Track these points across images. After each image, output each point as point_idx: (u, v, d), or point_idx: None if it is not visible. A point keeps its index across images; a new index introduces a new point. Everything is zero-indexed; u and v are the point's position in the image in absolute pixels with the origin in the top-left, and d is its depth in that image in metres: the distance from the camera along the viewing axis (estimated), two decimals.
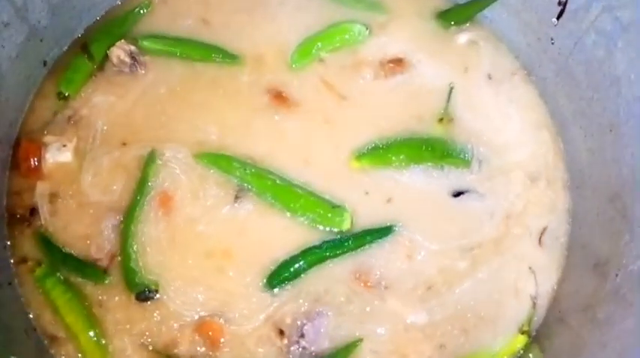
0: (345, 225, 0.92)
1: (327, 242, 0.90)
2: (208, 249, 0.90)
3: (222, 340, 0.86)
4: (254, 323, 0.87)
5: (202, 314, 0.87)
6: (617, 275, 0.79)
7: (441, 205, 0.95)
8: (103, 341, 0.86)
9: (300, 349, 0.87)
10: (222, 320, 0.87)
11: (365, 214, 0.93)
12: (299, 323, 0.88)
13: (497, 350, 0.89)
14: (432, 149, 0.97)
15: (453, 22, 1.07)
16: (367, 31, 1.05)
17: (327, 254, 0.90)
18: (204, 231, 0.91)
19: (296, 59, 1.02)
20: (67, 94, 0.98)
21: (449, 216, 0.94)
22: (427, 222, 0.94)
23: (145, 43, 1.01)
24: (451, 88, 1.02)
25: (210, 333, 0.86)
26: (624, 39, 0.85)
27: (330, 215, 0.92)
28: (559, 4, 0.95)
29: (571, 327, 0.82)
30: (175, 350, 0.85)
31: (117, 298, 0.88)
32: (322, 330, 0.88)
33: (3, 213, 0.92)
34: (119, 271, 0.88)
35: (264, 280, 0.89)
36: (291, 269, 0.89)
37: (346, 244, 0.91)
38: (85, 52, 1.00)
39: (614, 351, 0.67)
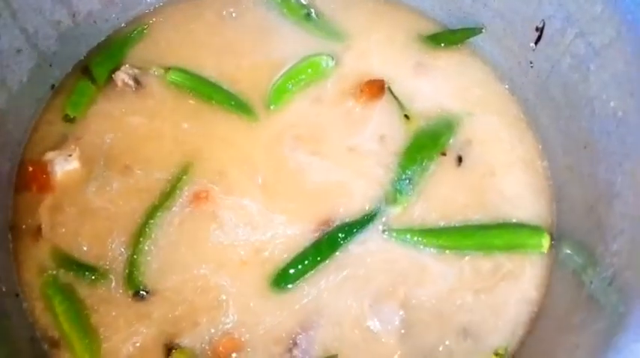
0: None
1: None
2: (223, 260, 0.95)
3: (234, 355, 0.90)
4: (261, 336, 0.92)
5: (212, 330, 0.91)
6: (591, 282, 0.83)
7: None
8: (98, 348, 0.89)
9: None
10: (236, 336, 0.91)
11: None
12: (293, 333, 0.92)
13: None
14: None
15: (443, 44, 1.13)
16: (334, 62, 1.09)
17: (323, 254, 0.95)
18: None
19: (274, 100, 1.06)
20: (72, 117, 1.04)
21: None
22: None
23: (173, 77, 1.07)
24: (388, 87, 1.08)
25: (221, 349, 0.90)
26: (596, 62, 0.91)
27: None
28: (537, 29, 1.01)
29: (547, 333, 0.86)
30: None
31: (115, 303, 0.92)
32: (316, 341, 0.92)
33: (8, 227, 0.96)
34: (120, 275, 0.93)
35: (271, 281, 0.94)
36: (298, 267, 0.94)
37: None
38: (88, 75, 1.06)
39: (585, 351, 0.71)
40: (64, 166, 0.99)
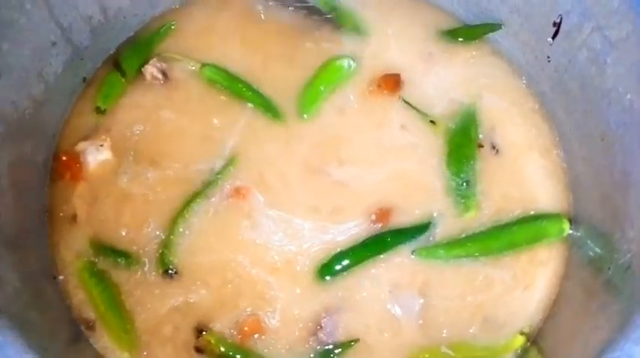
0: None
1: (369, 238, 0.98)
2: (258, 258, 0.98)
3: (255, 336, 0.94)
4: (289, 323, 0.95)
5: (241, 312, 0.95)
6: (609, 268, 0.86)
7: None
8: (133, 330, 0.93)
9: (317, 340, 0.94)
10: (261, 320, 0.94)
11: None
12: (319, 317, 0.95)
13: (494, 348, 0.95)
14: None
15: (460, 39, 1.15)
16: (355, 63, 1.11)
17: (369, 253, 0.98)
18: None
19: (305, 109, 1.08)
20: (104, 109, 1.07)
21: None
22: None
23: (209, 73, 1.09)
24: (403, 99, 1.09)
25: (246, 328, 0.94)
26: (613, 56, 0.93)
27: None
28: (554, 24, 1.03)
29: (566, 317, 0.89)
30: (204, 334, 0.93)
31: (149, 286, 0.96)
32: (340, 325, 0.95)
33: (45, 214, 1.00)
34: (153, 259, 0.97)
35: (317, 270, 0.97)
36: (343, 263, 0.96)
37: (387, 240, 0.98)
38: (118, 69, 1.10)
39: (605, 330, 0.73)
40: (96, 156, 1.03)
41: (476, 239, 1.00)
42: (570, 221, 1.02)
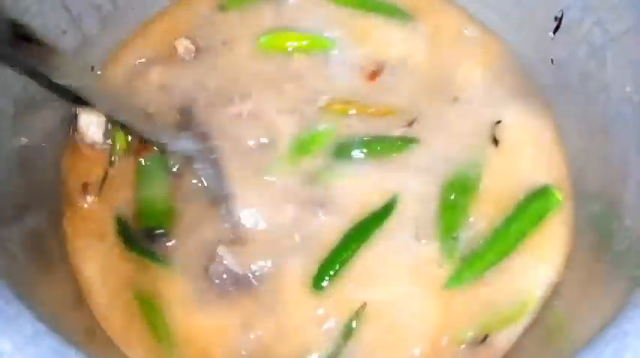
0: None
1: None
2: None
3: None
4: None
5: None
6: (610, 252, 0.87)
7: None
8: None
9: None
10: None
11: None
12: None
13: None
14: None
15: None
16: None
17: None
18: None
19: None
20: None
21: None
22: None
23: None
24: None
25: None
26: (613, 49, 0.95)
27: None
28: (555, 19, 1.05)
29: (566, 305, 0.91)
30: None
31: None
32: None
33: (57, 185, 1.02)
34: None
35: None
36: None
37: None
38: None
39: (605, 311, 0.73)
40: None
41: (491, 245, 0.98)
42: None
